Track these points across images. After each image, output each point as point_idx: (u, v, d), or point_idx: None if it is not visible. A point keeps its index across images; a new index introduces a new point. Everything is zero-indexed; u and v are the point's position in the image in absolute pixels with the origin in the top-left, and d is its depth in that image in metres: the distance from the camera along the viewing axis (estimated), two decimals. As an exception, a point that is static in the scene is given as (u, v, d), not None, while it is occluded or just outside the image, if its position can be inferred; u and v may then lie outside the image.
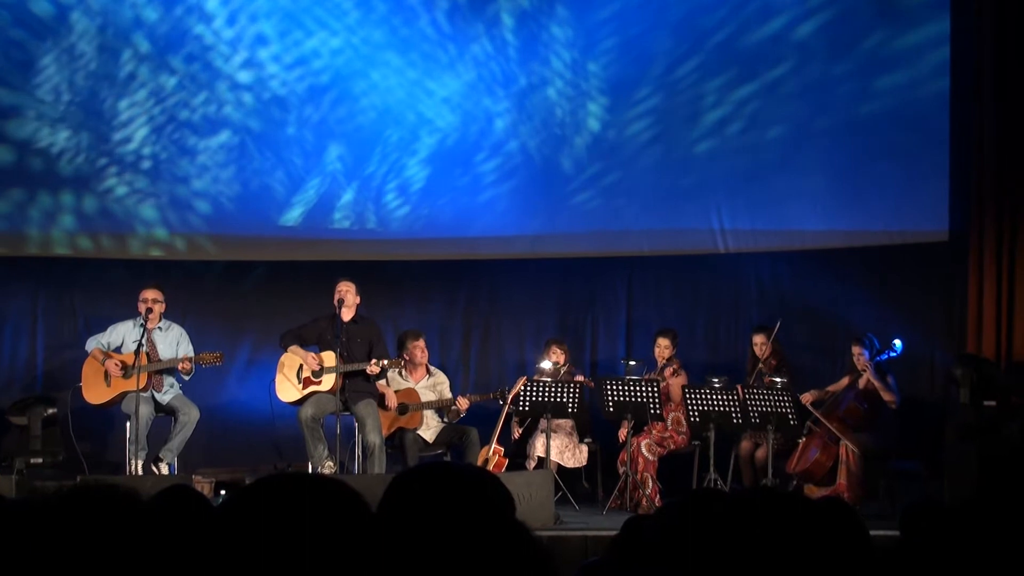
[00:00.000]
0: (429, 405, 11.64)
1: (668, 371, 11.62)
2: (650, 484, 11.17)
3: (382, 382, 11.40)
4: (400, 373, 11.76)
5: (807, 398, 11.13)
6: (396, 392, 11.54)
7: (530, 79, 13.02)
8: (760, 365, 11.56)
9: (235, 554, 2.18)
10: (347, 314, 11.17)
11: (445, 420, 11.79)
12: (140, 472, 10.75)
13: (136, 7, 12.73)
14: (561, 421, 11.58)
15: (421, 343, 11.88)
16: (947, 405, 11.41)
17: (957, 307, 11.94)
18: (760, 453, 11.24)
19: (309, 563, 2.19)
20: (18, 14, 12.59)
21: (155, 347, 11.24)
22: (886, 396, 10.98)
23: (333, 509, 2.25)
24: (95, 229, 12.87)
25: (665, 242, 12.97)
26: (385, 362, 11.00)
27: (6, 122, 12.72)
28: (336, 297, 11.13)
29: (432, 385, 11.84)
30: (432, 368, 12.02)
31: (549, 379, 11.37)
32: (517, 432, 11.91)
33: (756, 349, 11.66)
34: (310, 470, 10.63)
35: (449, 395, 11.80)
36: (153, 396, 11.16)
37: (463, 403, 11.65)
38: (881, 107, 12.31)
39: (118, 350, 11.27)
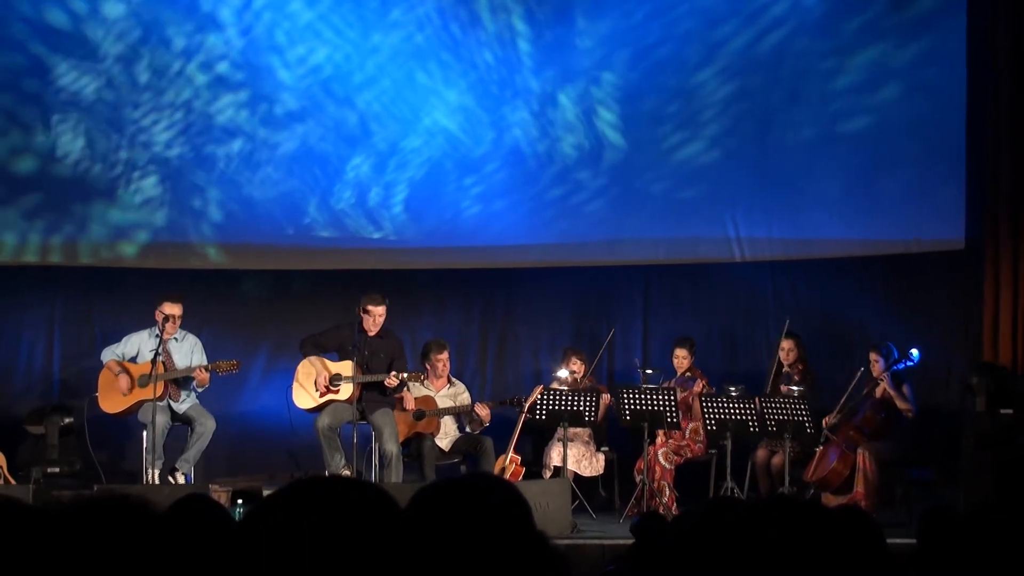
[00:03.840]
0: (447, 411, 11.65)
1: (697, 386, 11.56)
2: (667, 492, 11.16)
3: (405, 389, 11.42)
4: (423, 382, 11.77)
5: (828, 421, 11.06)
6: (415, 399, 11.56)
7: (545, 87, 13.02)
8: (786, 369, 11.54)
9: (269, 558, 2.18)
10: (372, 329, 11.17)
11: (466, 431, 11.80)
12: (157, 481, 10.78)
13: (150, 16, 12.76)
14: (578, 430, 11.56)
15: (444, 356, 11.88)
16: (964, 413, 11.37)
17: (973, 315, 11.90)
18: (777, 461, 11.21)
19: (342, 566, 2.19)
20: (35, 23, 12.63)
21: (170, 357, 11.27)
22: (902, 405, 10.95)
23: (367, 511, 2.25)
24: (111, 238, 12.90)
25: (681, 250, 12.96)
26: (404, 375, 11.01)
27: (23, 131, 12.75)
28: (361, 308, 11.09)
29: (453, 395, 11.85)
30: (453, 379, 12.02)
31: (566, 388, 11.36)
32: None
33: (783, 355, 11.64)
34: (327, 479, 10.61)
35: (466, 404, 11.79)
36: (170, 405, 11.18)
37: (483, 410, 11.64)
38: (897, 114, 12.28)
39: (133, 360, 11.29)
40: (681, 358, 11.77)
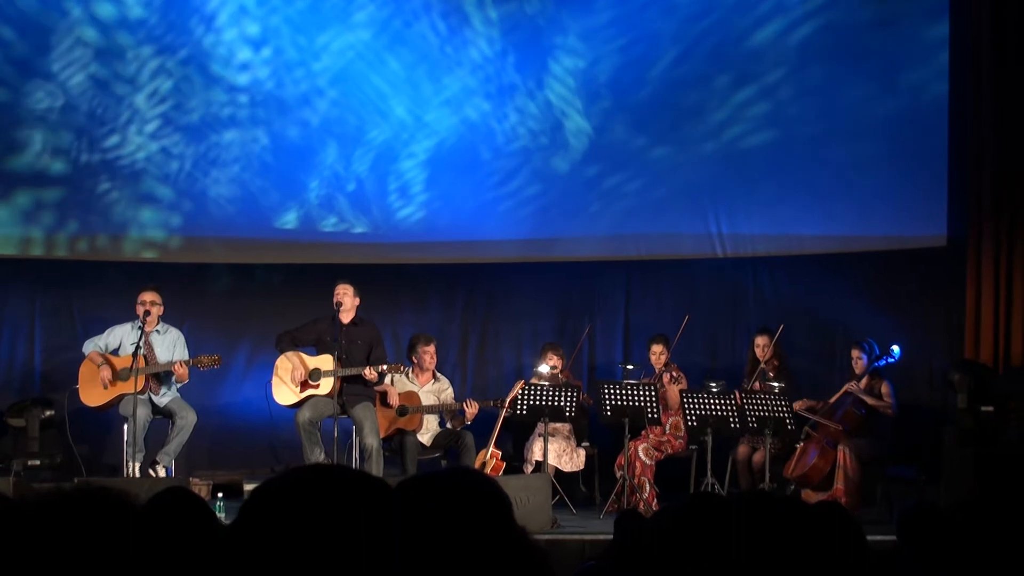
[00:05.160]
0: (430, 409, 11.63)
1: (666, 377, 11.62)
2: (647, 488, 11.17)
3: (387, 381, 11.37)
4: (407, 375, 11.74)
5: (798, 405, 11.10)
6: (399, 394, 11.53)
7: (529, 83, 13.01)
8: (762, 366, 11.55)
9: (268, 549, 2.18)
10: (346, 316, 11.15)
11: (448, 426, 11.77)
12: (137, 474, 10.75)
13: (132, 10, 12.73)
14: (559, 425, 11.57)
15: (431, 349, 11.84)
16: (945, 410, 11.40)
17: (955, 312, 11.93)
18: (757, 457, 11.24)
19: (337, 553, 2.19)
20: (13, 17, 12.59)
21: (152, 350, 11.23)
22: (877, 403, 10.97)
23: (366, 499, 2.25)
24: (93, 231, 12.88)
25: (663, 246, 12.96)
26: (384, 367, 10.98)
27: (4, 125, 12.72)
28: (335, 299, 11.11)
29: (437, 391, 11.83)
30: (439, 374, 11.99)
31: (547, 383, 11.36)
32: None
33: (758, 351, 11.66)
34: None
35: (451, 401, 11.76)
36: (150, 398, 11.15)
37: (472, 408, 11.59)
38: (880, 112, 12.30)
39: (115, 352, 11.25)
40: (657, 354, 11.78)
